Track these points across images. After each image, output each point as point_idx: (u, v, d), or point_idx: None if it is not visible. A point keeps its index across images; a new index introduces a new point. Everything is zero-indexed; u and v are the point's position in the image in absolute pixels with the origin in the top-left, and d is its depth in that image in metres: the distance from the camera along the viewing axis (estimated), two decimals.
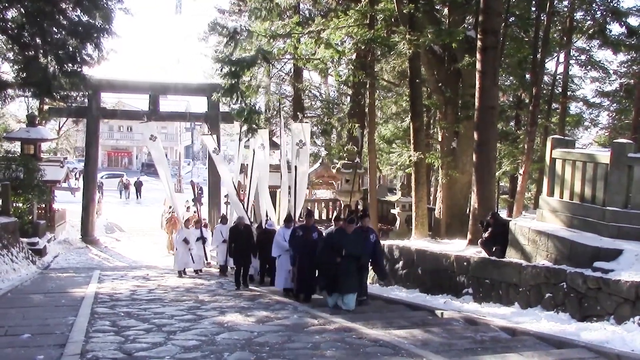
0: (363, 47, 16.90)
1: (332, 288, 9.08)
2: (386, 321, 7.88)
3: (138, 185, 42.24)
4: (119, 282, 13.17)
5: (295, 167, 14.84)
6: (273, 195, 17.24)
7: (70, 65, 15.45)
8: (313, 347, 6.18)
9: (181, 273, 14.84)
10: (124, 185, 42.36)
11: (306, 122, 17.40)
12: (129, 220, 31.19)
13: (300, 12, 22.27)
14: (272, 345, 6.30)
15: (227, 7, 27.66)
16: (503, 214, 20.42)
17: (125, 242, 25.43)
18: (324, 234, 10.14)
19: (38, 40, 15.04)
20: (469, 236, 12.84)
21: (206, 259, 16.17)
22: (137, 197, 41.57)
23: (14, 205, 17.88)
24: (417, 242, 14.08)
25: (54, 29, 15.13)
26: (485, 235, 10.96)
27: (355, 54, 18.90)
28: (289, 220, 11.54)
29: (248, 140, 17.17)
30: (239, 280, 12.17)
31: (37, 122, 23.94)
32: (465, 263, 10.18)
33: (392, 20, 16.35)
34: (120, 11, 15.63)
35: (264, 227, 13.37)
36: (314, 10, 23.10)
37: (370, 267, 9.91)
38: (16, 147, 23.53)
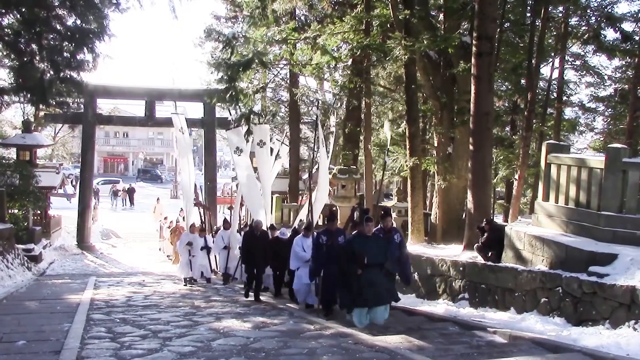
0: (359, 53, 16.91)
1: (356, 303, 7.96)
2: (382, 326, 7.88)
3: (130, 192, 40.76)
4: (114, 288, 13.13)
5: (310, 169, 13.58)
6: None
7: (66, 71, 15.45)
8: (309, 353, 6.18)
9: (186, 281, 14.34)
10: (113, 192, 40.82)
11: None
12: (125, 226, 31.16)
13: (296, 18, 22.27)
14: (268, 351, 6.29)
15: (223, 13, 27.67)
16: (499, 219, 20.50)
17: (121, 249, 25.40)
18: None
19: (34, 47, 15.04)
20: (465, 241, 12.88)
21: (215, 267, 15.92)
22: (131, 205, 40.24)
23: (10, 211, 17.85)
24: (413, 247, 14.09)
25: (50, 34, 15.14)
26: (481, 240, 11.02)
27: (351, 59, 18.93)
28: (308, 229, 10.52)
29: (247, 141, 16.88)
30: (249, 291, 11.24)
31: (32, 128, 23.97)
32: (461, 268, 10.19)
33: (388, 26, 16.39)
34: (114, 13, 15.64)
35: (275, 234, 12.35)
36: (309, 16, 23.10)
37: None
38: (12, 153, 23.56)
